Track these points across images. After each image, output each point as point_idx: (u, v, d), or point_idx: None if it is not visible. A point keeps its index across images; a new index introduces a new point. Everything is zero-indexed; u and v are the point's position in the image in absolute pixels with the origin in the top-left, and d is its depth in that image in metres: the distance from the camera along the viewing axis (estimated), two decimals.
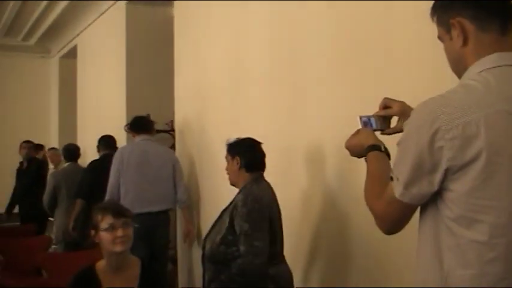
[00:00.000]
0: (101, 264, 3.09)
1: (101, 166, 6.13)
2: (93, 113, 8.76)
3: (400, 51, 3.13)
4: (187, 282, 5.86)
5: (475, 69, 1.67)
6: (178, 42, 6.17)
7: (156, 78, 7.00)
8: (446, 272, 1.63)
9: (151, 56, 7.08)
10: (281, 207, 3.60)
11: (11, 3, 8.66)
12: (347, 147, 2.17)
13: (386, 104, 2.20)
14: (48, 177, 7.40)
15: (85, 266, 3.14)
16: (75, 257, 5.08)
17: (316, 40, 3.86)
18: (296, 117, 4.10)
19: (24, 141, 8.82)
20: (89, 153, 7.47)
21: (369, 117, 2.19)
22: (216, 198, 4.96)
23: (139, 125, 5.64)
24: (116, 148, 6.25)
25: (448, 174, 1.59)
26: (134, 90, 7.12)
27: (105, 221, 3.00)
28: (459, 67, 1.74)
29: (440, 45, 1.83)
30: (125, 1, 7.24)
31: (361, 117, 2.18)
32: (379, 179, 1.88)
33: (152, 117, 5.84)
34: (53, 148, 8.64)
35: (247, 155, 3.55)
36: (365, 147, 2.03)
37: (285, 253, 3.56)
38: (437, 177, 1.60)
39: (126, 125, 6.17)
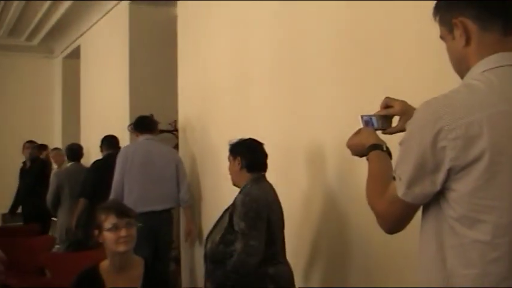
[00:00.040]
0: (104, 264, 3.10)
1: (104, 166, 6.18)
2: (96, 113, 8.76)
3: (401, 51, 3.13)
4: (189, 282, 5.87)
5: (478, 69, 1.67)
6: (181, 42, 6.18)
7: (159, 78, 7.01)
8: (449, 271, 1.63)
9: (155, 56, 7.08)
10: (282, 208, 3.63)
11: (15, 3, 8.66)
12: (348, 147, 2.17)
13: (387, 104, 2.20)
14: (52, 176, 7.41)
15: (88, 266, 3.14)
16: (79, 257, 5.08)
17: (318, 41, 3.86)
18: (298, 117, 4.10)
19: (28, 141, 8.84)
20: (93, 153, 7.48)
21: (370, 117, 2.19)
22: (218, 198, 4.97)
23: (143, 125, 5.66)
24: (119, 148, 6.27)
25: (450, 174, 1.59)
26: (137, 90, 7.12)
27: (109, 221, 3.01)
28: (461, 67, 1.74)
29: (442, 45, 1.83)
30: (128, 1, 7.24)
31: (362, 117, 2.18)
32: (380, 178, 1.88)
33: (155, 117, 5.85)
34: (56, 148, 8.64)
35: (248, 155, 3.59)
36: (366, 147, 2.03)
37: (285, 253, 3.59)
38: (440, 177, 1.60)
39: (130, 125, 6.19)
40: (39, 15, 9.09)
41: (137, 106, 6.65)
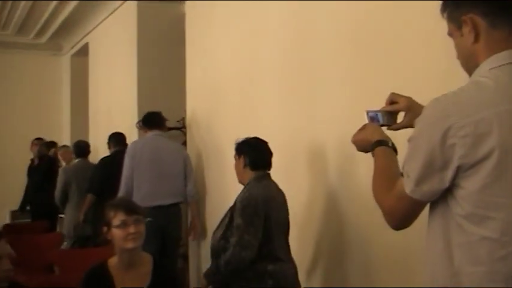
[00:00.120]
0: (113, 261, 3.10)
1: (112, 162, 6.24)
2: (104, 111, 8.77)
3: (407, 51, 3.13)
4: (196, 279, 5.88)
5: (486, 67, 1.67)
6: (189, 40, 6.18)
7: (167, 75, 7.00)
8: (457, 268, 1.63)
9: (163, 53, 7.08)
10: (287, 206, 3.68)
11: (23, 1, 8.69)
12: (354, 142, 2.17)
13: (392, 99, 2.20)
14: (59, 173, 7.43)
15: (97, 263, 3.14)
16: (87, 254, 5.10)
17: (324, 40, 3.86)
18: (303, 117, 4.11)
19: (36, 139, 8.87)
20: (101, 151, 7.49)
21: (375, 112, 2.18)
22: (223, 195, 4.98)
23: (151, 121, 5.70)
24: (126, 145, 6.30)
25: (459, 171, 1.59)
26: (146, 87, 7.13)
27: (117, 218, 3.01)
28: (470, 64, 1.74)
29: (448, 44, 1.83)
30: (136, 0, 7.25)
31: (368, 112, 2.18)
32: (387, 174, 1.88)
33: (163, 115, 5.86)
34: (64, 146, 8.67)
35: (252, 154, 3.66)
36: (372, 143, 2.03)
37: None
38: (449, 174, 1.60)
39: (138, 122, 6.21)
40: (48, 13, 9.10)
41: (145, 103, 6.64)
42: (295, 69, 4.22)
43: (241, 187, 3.70)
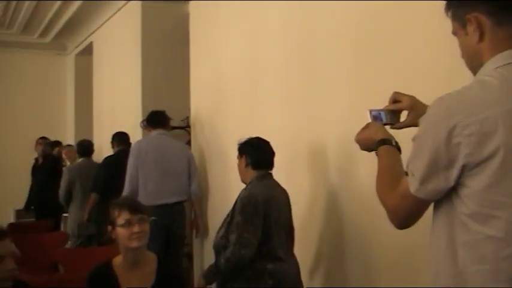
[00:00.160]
0: (117, 260, 3.11)
1: (116, 161, 6.29)
2: (109, 110, 8.78)
3: (410, 49, 3.13)
4: None
5: (491, 65, 1.66)
6: (193, 40, 6.18)
7: (171, 75, 7.01)
8: (461, 267, 1.62)
9: (167, 53, 7.08)
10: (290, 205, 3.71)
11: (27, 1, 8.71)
12: (357, 141, 2.16)
13: (395, 98, 2.20)
14: (63, 172, 7.45)
15: (102, 262, 3.15)
16: (92, 253, 5.12)
17: (328, 40, 3.86)
18: (308, 115, 4.11)
19: (40, 138, 8.88)
20: (105, 150, 7.50)
21: (379, 111, 2.18)
22: (226, 194, 4.99)
23: (155, 120, 5.72)
24: (130, 144, 6.38)
25: (464, 170, 1.58)
26: (150, 87, 7.13)
27: (122, 217, 3.02)
28: (474, 63, 1.74)
29: (452, 43, 1.82)
30: (141, 0, 7.26)
31: (371, 111, 2.18)
32: (391, 173, 1.87)
33: (168, 114, 5.87)
34: (68, 145, 8.69)
35: (253, 154, 3.69)
36: (375, 141, 2.02)
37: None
38: (454, 173, 1.60)
39: (142, 121, 6.22)
40: (52, 12, 9.11)
41: (149, 103, 6.65)
42: (298, 70, 4.23)
43: (244, 186, 3.73)
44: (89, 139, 7.98)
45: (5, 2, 8.90)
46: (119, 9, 8.09)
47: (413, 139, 1.71)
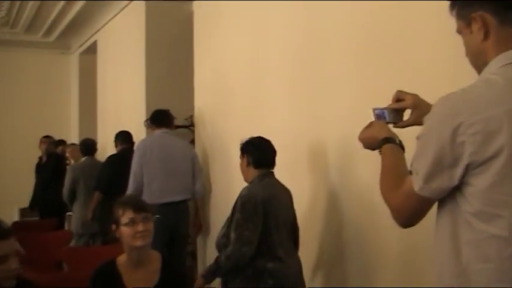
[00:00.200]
0: (121, 259, 3.11)
1: (119, 160, 6.33)
2: (113, 109, 8.79)
3: (413, 49, 3.13)
4: None
5: (496, 64, 1.66)
6: (197, 38, 6.19)
7: (175, 73, 7.01)
8: (465, 265, 1.62)
9: (171, 52, 7.09)
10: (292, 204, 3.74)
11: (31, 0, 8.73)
12: (360, 140, 2.16)
13: (399, 97, 2.20)
14: (67, 171, 7.46)
15: (106, 261, 3.15)
16: (96, 252, 5.13)
17: (332, 39, 3.87)
18: (312, 115, 4.11)
19: (44, 136, 8.90)
20: (109, 149, 7.52)
21: (382, 110, 2.18)
22: (229, 193, 5.00)
23: (159, 119, 5.73)
24: (133, 143, 6.42)
25: (469, 169, 1.58)
26: (154, 85, 7.14)
27: (126, 216, 3.02)
28: (479, 61, 1.74)
29: (456, 43, 1.81)
30: (144, 0, 7.27)
31: (374, 110, 2.17)
32: (395, 172, 1.87)
33: (172, 113, 5.87)
34: (73, 144, 8.69)
35: (254, 153, 3.73)
36: (379, 140, 2.02)
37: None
38: (458, 171, 1.60)
39: (146, 120, 6.22)
40: (56, 11, 9.12)
41: (153, 101, 6.66)
42: (301, 69, 4.23)
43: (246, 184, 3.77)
44: (92, 138, 7.99)
45: (9, 1, 8.91)
46: (123, 8, 8.10)
47: (418, 138, 1.71)
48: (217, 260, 3.55)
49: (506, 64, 1.64)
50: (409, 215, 1.78)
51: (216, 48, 5.73)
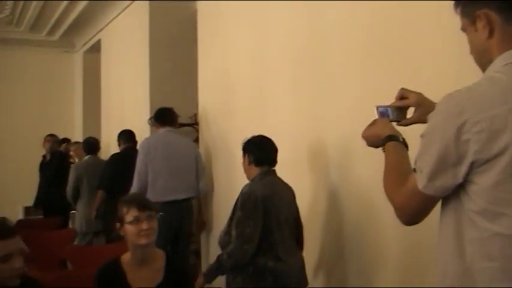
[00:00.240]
0: (125, 257, 3.12)
1: (122, 159, 6.38)
2: (117, 107, 8.80)
3: (417, 49, 3.12)
4: None
5: (501, 62, 1.66)
6: (201, 37, 6.19)
7: (179, 71, 7.02)
8: (469, 264, 1.62)
9: (175, 50, 7.09)
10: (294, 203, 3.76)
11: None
12: (364, 138, 2.15)
13: (402, 95, 2.19)
14: (71, 169, 7.47)
15: (110, 259, 3.16)
16: (100, 250, 5.13)
17: (336, 37, 3.87)
18: (315, 115, 4.11)
19: (48, 135, 8.90)
20: (113, 147, 7.53)
21: (386, 108, 2.17)
22: (232, 191, 5.01)
23: (163, 117, 5.75)
24: (136, 142, 6.49)
25: (473, 167, 1.58)
26: (158, 84, 7.15)
27: (130, 214, 3.02)
28: (483, 59, 1.73)
29: (460, 43, 1.81)
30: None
31: (378, 108, 2.17)
32: (398, 170, 1.87)
33: (176, 111, 5.88)
34: (77, 142, 8.71)
35: (255, 151, 3.77)
36: (382, 138, 2.01)
37: None
38: (462, 170, 1.60)
39: (150, 118, 6.23)
40: (60, 10, 9.13)
41: (157, 100, 6.67)
42: (305, 68, 4.23)
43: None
44: (94, 136, 8.00)
45: (13, 0, 8.92)
46: (127, 7, 8.11)
47: (422, 136, 1.70)
48: (218, 258, 3.57)
49: (510, 62, 1.64)
50: (412, 213, 1.77)
51: (219, 47, 5.74)
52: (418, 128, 1.84)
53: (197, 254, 6.29)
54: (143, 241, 3.01)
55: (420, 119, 2.08)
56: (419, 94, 2.16)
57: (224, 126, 5.62)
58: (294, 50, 4.38)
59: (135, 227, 3.01)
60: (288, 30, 4.46)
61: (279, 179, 3.76)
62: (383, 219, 3.34)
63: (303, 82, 4.24)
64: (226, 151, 5.45)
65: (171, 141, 5.59)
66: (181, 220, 5.43)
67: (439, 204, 1.74)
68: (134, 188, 5.36)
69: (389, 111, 2.17)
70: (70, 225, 8.08)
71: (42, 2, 8.74)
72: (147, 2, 7.27)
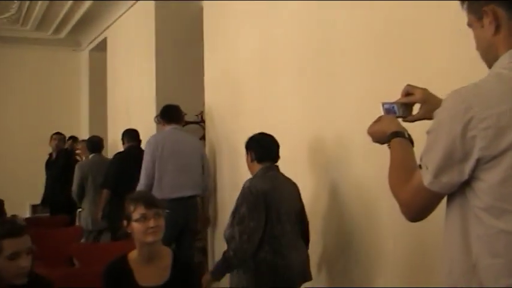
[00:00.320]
0: (133, 255, 3.12)
1: (126, 157, 6.42)
2: (123, 106, 8.81)
3: (422, 45, 3.12)
4: None
5: (507, 59, 1.65)
6: (207, 34, 6.19)
7: (185, 69, 7.03)
8: (475, 260, 1.62)
9: (181, 48, 7.10)
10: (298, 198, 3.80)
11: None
12: (369, 134, 2.15)
13: (408, 91, 2.19)
14: (75, 168, 7.49)
15: (117, 257, 3.17)
16: (107, 248, 5.14)
17: (347, 30, 3.86)
18: (321, 112, 4.11)
19: (55, 133, 8.92)
20: (120, 146, 7.54)
21: (391, 104, 2.17)
22: (236, 188, 5.02)
23: (169, 115, 5.76)
24: (140, 141, 6.53)
25: (479, 163, 1.58)
26: (164, 82, 7.16)
27: (137, 212, 3.03)
28: (489, 55, 1.73)
29: (472, 45, 1.81)
30: None
31: (383, 104, 2.17)
32: (404, 166, 1.87)
33: (182, 109, 5.89)
34: (84, 140, 8.72)
35: (257, 148, 3.84)
36: (388, 134, 2.01)
37: None
38: (469, 166, 1.59)
39: (156, 116, 6.24)
40: (66, 8, 9.15)
41: (163, 98, 6.67)
42: (310, 67, 4.24)
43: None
44: (98, 135, 8.02)
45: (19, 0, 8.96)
46: (132, 5, 8.12)
47: (428, 132, 1.70)
48: (224, 254, 3.59)
49: None
50: (418, 209, 1.77)
51: (225, 45, 5.74)
52: (424, 125, 1.84)
53: (204, 251, 6.30)
54: (150, 239, 3.02)
55: (426, 116, 2.08)
56: (425, 90, 2.16)
57: (230, 124, 5.63)
58: (299, 48, 4.38)
59: (142, 225, 3.01)
60: (294, 29, 4.46)
61: (281, 174, 3.81)
62: (384, 216, 3.36)
63: (309, 80, 4.24)
64: (232, 149, 5.46)
65: (178, 138, 5.62)
66: (186, 217, 5.45)
67: (443, 201, 1.74)
68: (141, 185, 5.38)
69: (395, 107, 2.17)
70: (77, 223, 8.10)
71: (48, 0, 8.76)
72: (153, 0, 7.28)
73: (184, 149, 5.57)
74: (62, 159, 8.39)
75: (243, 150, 3.96)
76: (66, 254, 5.59)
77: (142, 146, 6.14)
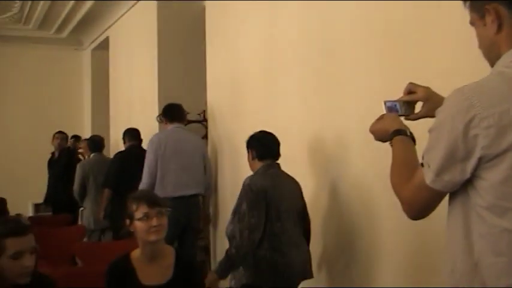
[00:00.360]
0: (135, 253, 3.13)
1: (127, 156, 6.43)
2: (125, 104, 8.82)
3: (428, 44, 3.11)
4: None
5: (510, 57, 1.65)
6: (210, 33, 6.19)
7: (188, 68, 7.03)
8: (477, 259, 1.62)
9: (183, 47, 7.10)
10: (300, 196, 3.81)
11: None
12: (372, 132, 2.14)
13: (410, 89, 2.18)
14: (77, 168, 7.49)
15: (120, 255, 3.17)
16: (110, 247, 5.15)
17: (348, 30, 3.86)
18: (324, 111, 4.11)
19: (57, 132, 8.93)
20: (122, 145, 7.55)
21: (393, 102, 2.17)
22: (238, 187, 5.03)
23: (172, 113, 5.78)
24: (141, 140, 6.54)
25: (481, 162, 1.58)
26: (166, 81, 7.16)
27: (140, 211, 3.03)
28: (491, 54, 1.73)
29: (475, 45, 1.81)
30: None
31: (385, 102, 2.16)
32: (406, 164, 1.86)
33: (184, 108, 5.89)
34: (85, 139, 8.72)
35: (257, 147, 3.87)
36: (390, 132, 2.01)
37: None
38: (471, 165, 1.59)
39: (159, 116, 6.25)
40: (68, 7, 9.14)
41: (166, 97, 6.67)
42: (313, 66, 4.24)
43: None
44: (99, 134, 8.03)
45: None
46: (135, 4, 8.11)
47: (430, 130, 1.70)
48: (227, 252, 3.59)
49: None
50: (419, 208, 1.77)
51: (227, 45, 5.75)
52: (426, 123, 1.84)
53: (206, 250, 6.31)
54: (153, 237, 3.02)
55: (428, 114, 2.07)
56: (428, 88, 2.16)
57: (231, 123, 5.64)
58: (300, 48, 4.38)
59: (144, 224, 3.02)
60: (295, 29, 4.46)
61: (282, 172, 3.83)
62: (384, 215, 3.37)
63: (310, 80, 4.25)
64: (234, 148, 5.46)
65: (181, 137, 5.63)
66: (189, 216, 5.46)
67: (445, 199, 1.74)
68: (144, 184, 5.38)
69: (398, 105, 2.16)
70: (79, 222, 8.10)
71: (50, 0, 8.76)
72: (155, 0, 7.28)
73: (187, 147, 5.58)
74: (65, 158, 8.39)
75: (244, 149, 3.97)
76: (68, 253, 5.60)
77: (143, 145, 6.14)
